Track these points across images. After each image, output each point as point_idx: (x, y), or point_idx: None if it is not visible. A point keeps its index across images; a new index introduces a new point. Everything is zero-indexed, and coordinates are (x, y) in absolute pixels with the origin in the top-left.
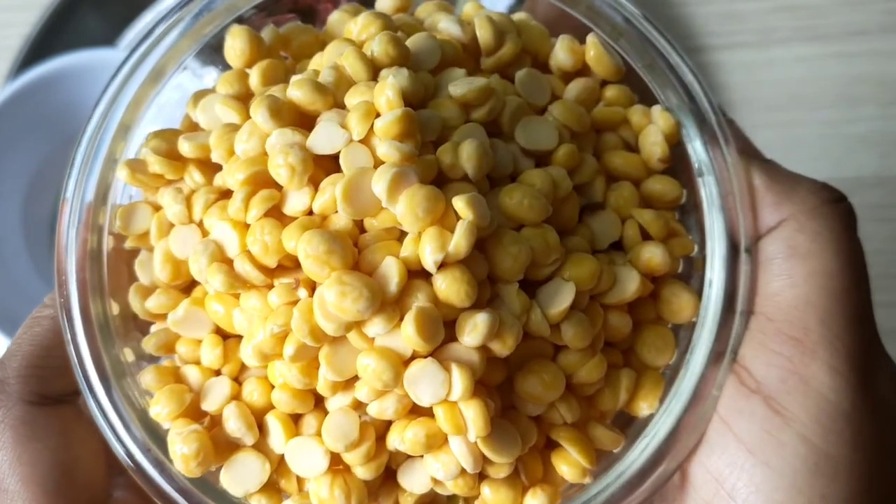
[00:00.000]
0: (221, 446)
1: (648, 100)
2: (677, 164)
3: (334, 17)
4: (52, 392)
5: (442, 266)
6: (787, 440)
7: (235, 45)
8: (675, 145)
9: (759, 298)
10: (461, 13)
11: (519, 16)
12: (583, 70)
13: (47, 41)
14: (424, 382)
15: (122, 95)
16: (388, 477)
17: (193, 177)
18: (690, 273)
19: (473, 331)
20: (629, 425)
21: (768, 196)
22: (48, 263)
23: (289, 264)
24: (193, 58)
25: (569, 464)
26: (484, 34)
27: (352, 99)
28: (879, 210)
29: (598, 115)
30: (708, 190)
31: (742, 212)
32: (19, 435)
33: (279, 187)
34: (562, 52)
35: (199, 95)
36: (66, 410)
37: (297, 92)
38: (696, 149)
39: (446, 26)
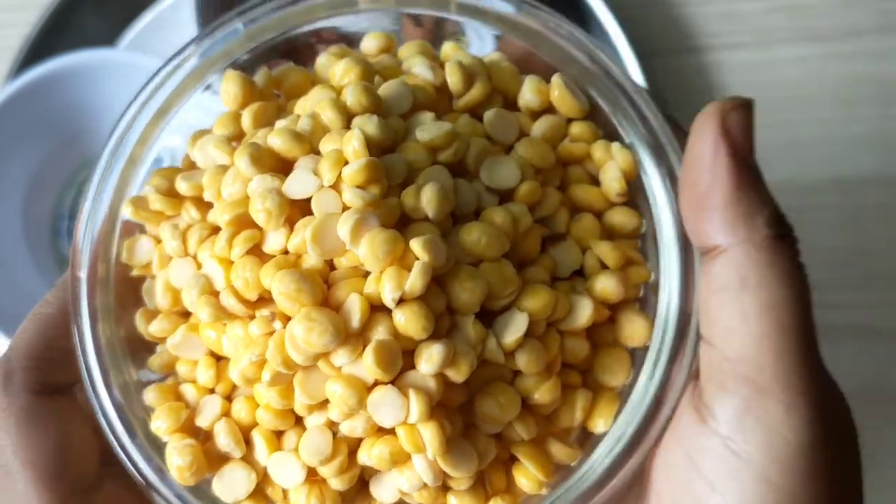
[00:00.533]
0: (213, 458)
1: (615, 132)
2: (642, 192)
3: (321, 61)
4: (52, 383)
5: (401, 301)
6: (746, 479)
7: (229, 89)
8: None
9: (716, 331)
10: (441, 52)
11: (492, 56)
12: (550, 107)
13: (47, 41)
14: (385, 407)
15: (130, 133)
16: (362, 486)
17: (190, 213)
18: (647, 297)
19: (429, 360)
20: (588, 439)
21: (729, 211)
22: (48, 263)
23: (269, 296)
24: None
25: (527, 477)
26: (453, 80)
27: (325, 146)
28: (878, 210)
29: (563, 150)
30: (665, 222)
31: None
32: (22, 422)
33: (260, 227)
34: (529, 93)
35: (198, 135)
36: (64, 401)
37: (276, 140)
38: (654, 182)
39: (420, 71)
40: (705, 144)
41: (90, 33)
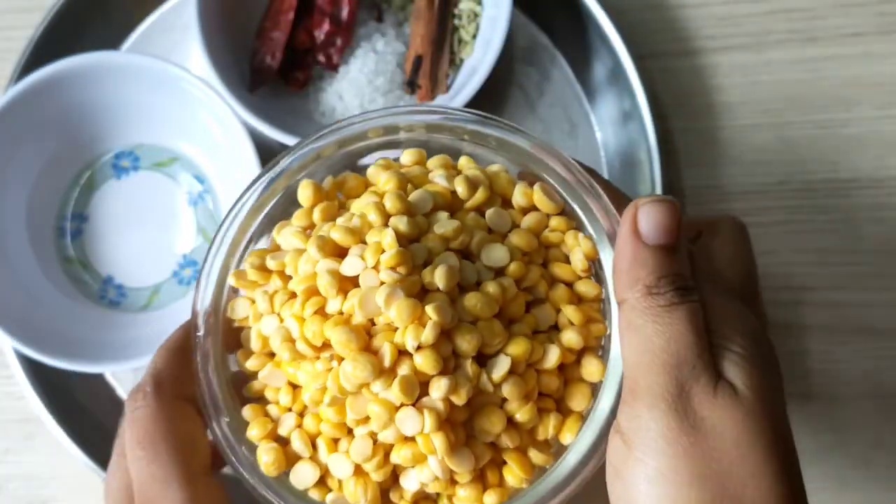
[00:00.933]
0: (290, 457)
1: (582, 222)
2: (602, 266)
3: (371, 171)
4: (183, 394)
5: (419, 348)
6: (632, 462)
7: (304, 192)
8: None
9: (622, 360)
10: (458, 163)
11: (494, 168)
12: (535, 205)
13: (51, 44)
14: (408, 421)
15: (233, 224)
16: (395, 479)
17: (275, 283)
18: (605, 345)
19: (437, 390)
20: (561, 447)
21: (627, 275)
22: (52, 262)
23: (329, 343)
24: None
25: (512, 475)
26: (461, 190)
27: (370, 238)
28: (875, 211)
29: (544, 237)
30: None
31: None
32: (168, 418)
33: (324, 295)
34: (518, 195)
35: (282, 225)
36: (190, 407)
37: (336, 234)
38: (609, 260)
39: (440, 181)
40: (621, 229)
41: (93, 36)
